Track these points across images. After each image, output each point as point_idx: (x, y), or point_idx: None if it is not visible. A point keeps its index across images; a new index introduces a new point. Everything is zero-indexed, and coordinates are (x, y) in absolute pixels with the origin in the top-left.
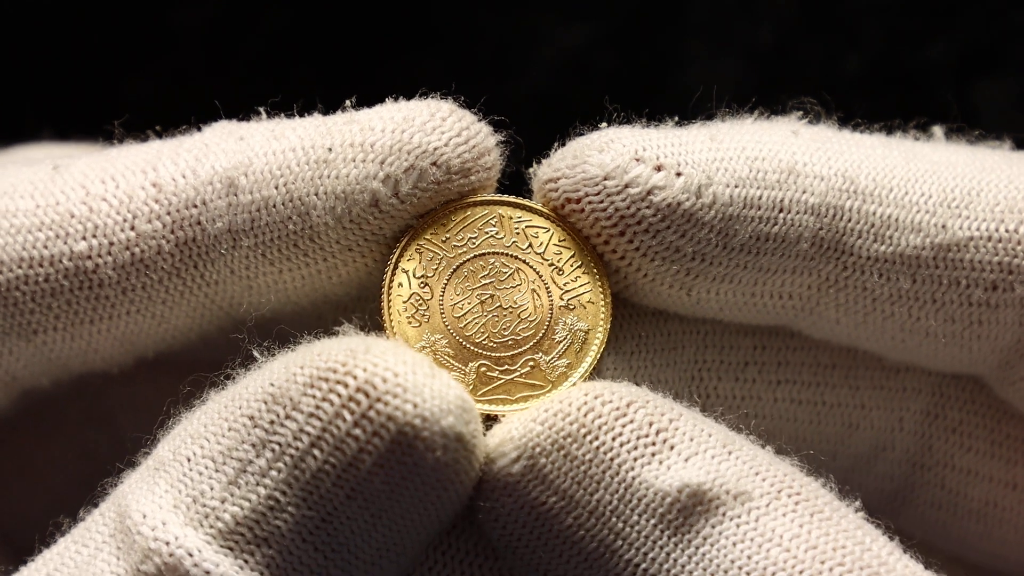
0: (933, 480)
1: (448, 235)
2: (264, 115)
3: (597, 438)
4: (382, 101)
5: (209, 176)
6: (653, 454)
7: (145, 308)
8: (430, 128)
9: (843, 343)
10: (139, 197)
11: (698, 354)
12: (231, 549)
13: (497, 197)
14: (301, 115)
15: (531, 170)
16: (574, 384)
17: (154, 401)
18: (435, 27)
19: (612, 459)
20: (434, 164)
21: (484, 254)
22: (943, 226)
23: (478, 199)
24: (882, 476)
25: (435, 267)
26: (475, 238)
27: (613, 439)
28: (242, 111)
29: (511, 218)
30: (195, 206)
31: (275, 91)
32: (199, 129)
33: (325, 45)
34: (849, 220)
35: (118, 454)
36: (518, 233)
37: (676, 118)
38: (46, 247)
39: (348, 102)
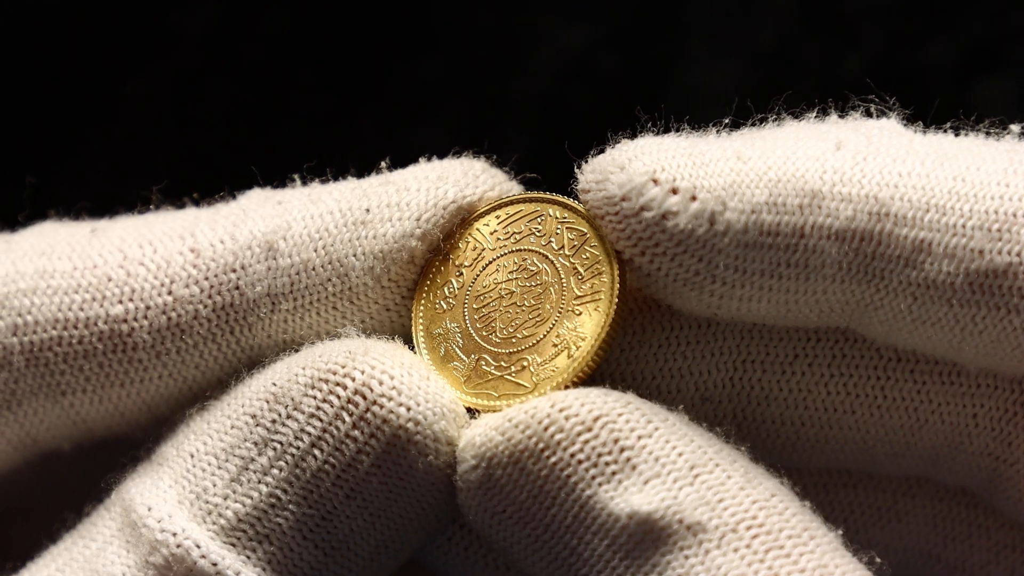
0: (1016, 476)
1: (497, 227)
2: (299, 182)
3: (555, 454)
4: (382, 102)
5: (248, 240)
6: (613, 473)
7: (178, 373)
8: (464, 183)
9: (906, 348)
10: (177, 262)
11: (741, 346)
12: (234, 545)
13: (550, 195)
14: (335, 179)
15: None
16: (552, 388)
17: None
18: (435, 28)
19: (568, 477)
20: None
21: (520, 250)
22: (979, 251)
23: (534, 195)
24: (967, 466)
25: (474, 258)
26: (519, 234)
27: (571, 456)
28: (242, 113)
29: (557, 217)
30: (234, 271)
31: (276, 93)
32: (234, 197)
33: (325, 46)
34: (878, 245)
35: None
36: (557, 233)
37: (727, 121)
38: (82, 309)
39: (383, 163)
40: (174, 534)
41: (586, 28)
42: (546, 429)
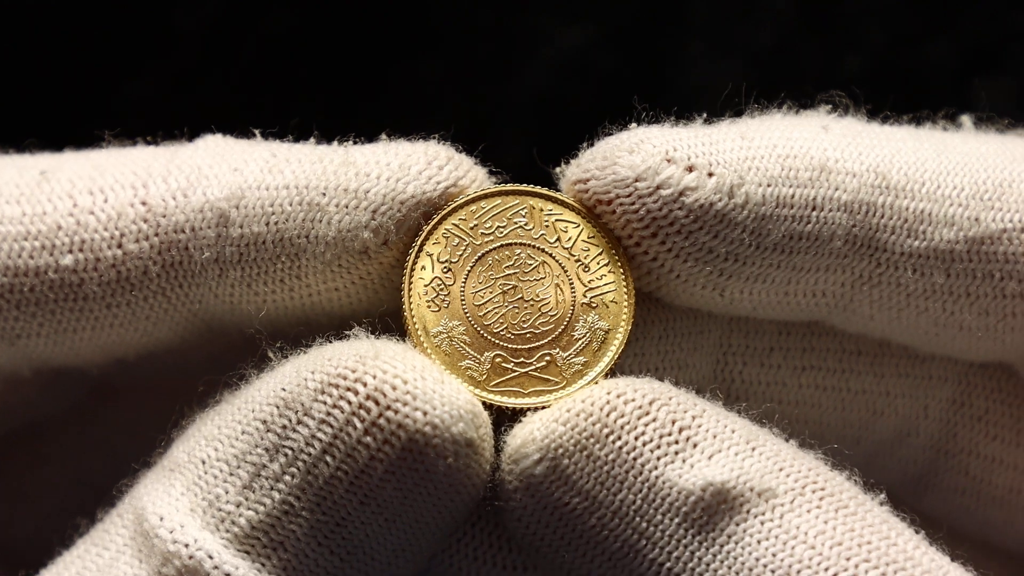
0: (956, 467)
1: (476, 222)
2: (259, 136)
3: (620, 438)
4: (381, 101)
5: (200, 204)
6: (676, 452)
7: (129, 323)
8: (425, 177)
9: (876, 337)
10: (128, 215)
11: (723, 338)
12: (248, 552)
13: (530, 188)
14: (296, 140)
15: (559, 170)
16: (591, 382)
17: (151, 426)
18: (435, 28)
19: (635, 459)
20: (425, 215)
21: (511, 244)
22: (976, 219)
23: (511, 188)
24: (905, 460)
25: (460, 253)
26: (503, 227)
27: (636, 439)
28: (242, 113)
29: (542, 210)
30: (184, 232)
31: (275, 93)
32: (189, 139)
33: (325, 47)
34: (882, 216)
35: (114, 480)
36: (547, 226)
37: (705, 115)
38: (32, 258)
39: (349, 141)
40: (186, 545)
41: (585, 28)
42: (608, 415)
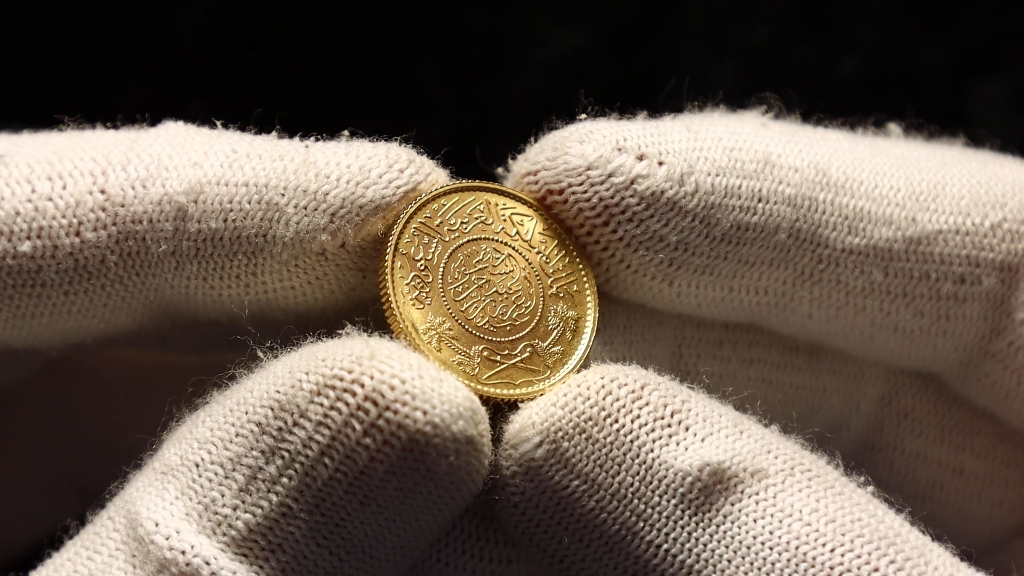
0: (881, 461)
1: (441, 219)
2: (219, 127)
3: (617, 420)
4: (377, 102)
5: (159, 196)
6: (671, 435)
7: (87, 310)
8: (385, 181)
9: (811, 339)
10: (87, 203)
11: (678, 330)
12: (246, 556)
13: (482, 183)
14: (260, 131)
15: (499, 170)
16: (573, 370)
17: (116, 407)
18: (431, 29)
19: (632, 441)
20: (384, 220)
21: (476, 239)
22: (913, 219)
23: (465, 185)
24: (833, 455)
25: (432, 250)
26: (466, 223)
27: (632, 421)
28: (240, 113)
29: (497, 204)
30: (142, 223)
31: (272, 93)
32: (148, 124)
33: (322, 47)
34: (824, 212)
35: (80, 460)
36: (505, 220)
37: (646, 112)
38: None
39: (309, 141)
40: (183, 552)
41: (581, 29)
42: (604, 398)
